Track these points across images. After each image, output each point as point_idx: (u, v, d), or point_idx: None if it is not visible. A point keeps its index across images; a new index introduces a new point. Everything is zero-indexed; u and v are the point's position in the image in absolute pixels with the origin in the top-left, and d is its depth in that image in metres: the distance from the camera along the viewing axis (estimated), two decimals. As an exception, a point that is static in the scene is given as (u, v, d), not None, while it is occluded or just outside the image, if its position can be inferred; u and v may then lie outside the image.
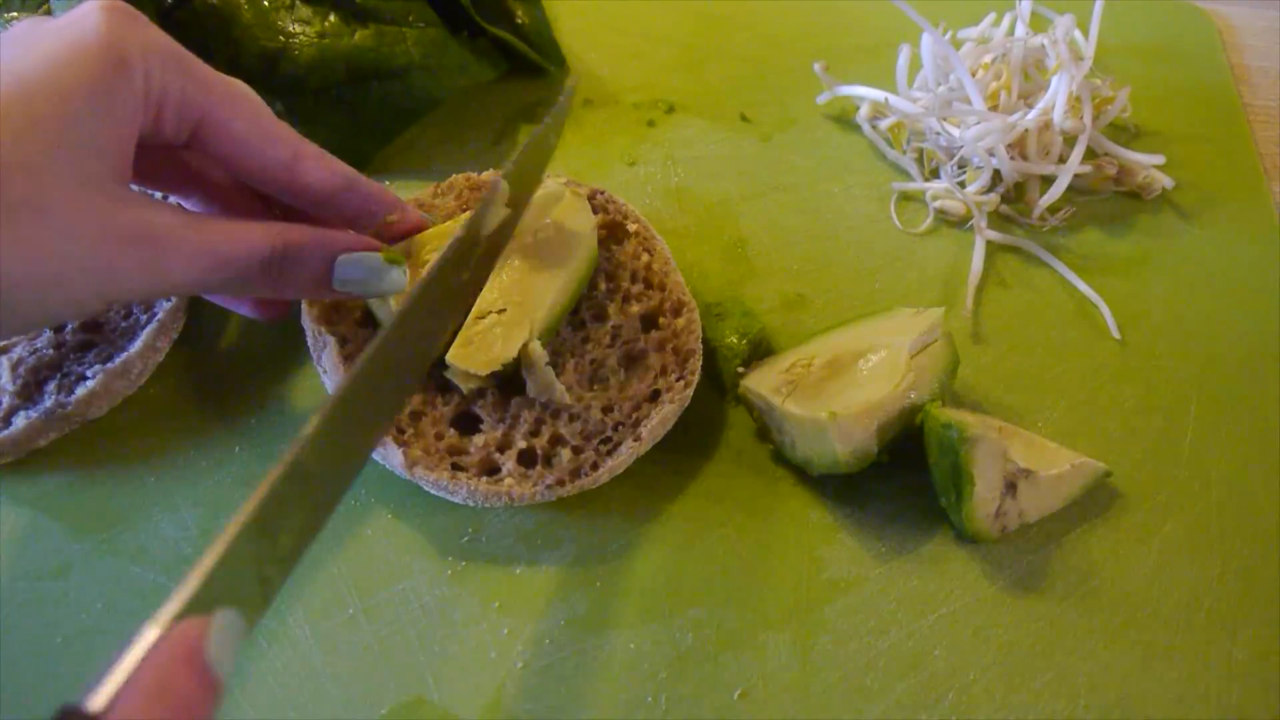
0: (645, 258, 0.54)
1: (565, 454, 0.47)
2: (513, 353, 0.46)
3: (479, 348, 0.46)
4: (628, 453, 0.47)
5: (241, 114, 0.41)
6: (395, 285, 0.43)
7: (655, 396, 0.49)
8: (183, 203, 0.47)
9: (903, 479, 0.50)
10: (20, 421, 0.48)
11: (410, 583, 0.46)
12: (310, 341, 0.48)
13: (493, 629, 0.45)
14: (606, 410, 0.48)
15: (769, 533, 0.49)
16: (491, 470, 0.46)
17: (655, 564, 0.47)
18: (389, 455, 0.45)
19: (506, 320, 0.46)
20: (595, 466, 0.46)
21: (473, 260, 0.43)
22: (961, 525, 0.47)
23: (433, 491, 0.46)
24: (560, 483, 0.46)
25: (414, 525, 0.48)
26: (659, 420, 0.48)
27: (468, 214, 0.50)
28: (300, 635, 0.44)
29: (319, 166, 0.43)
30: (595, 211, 0.55)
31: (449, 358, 0.45)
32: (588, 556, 0.47)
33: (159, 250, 0.38)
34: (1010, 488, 0.47)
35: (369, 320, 0.49)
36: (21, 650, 0.43)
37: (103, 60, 0.36)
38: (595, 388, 0.49)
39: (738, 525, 0.49)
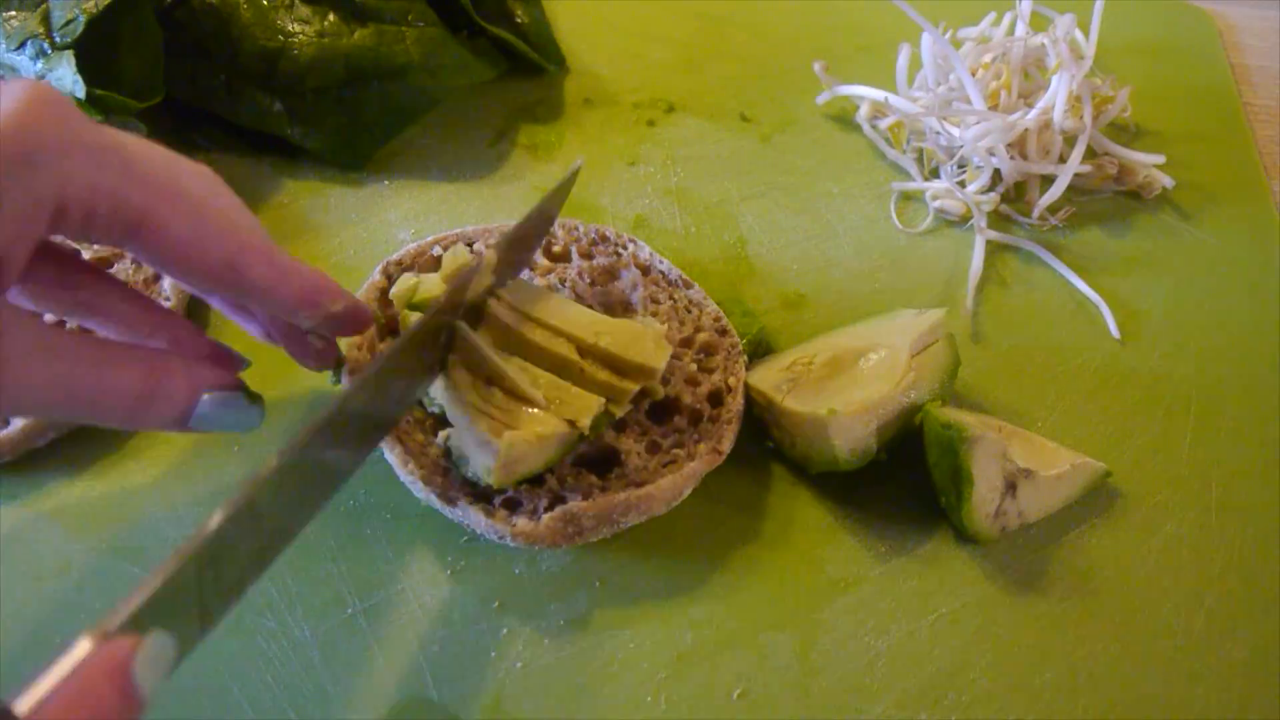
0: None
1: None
2: (541, 465, 0.44)
3: (512, 462, 0.43)
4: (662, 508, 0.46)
5: (183, 213, 0.37)
6: (251, 424, 0.41)
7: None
8: (95, 328, 0.43)
9: (903, 479, 0.50)
10: (20, 421, 0.47)
11: (410, 583, 0.46)
12: None
13: (493, 629, 0.45)
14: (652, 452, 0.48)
15: (768, 533, 0.49)
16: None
17: (655, 564, 0.47)
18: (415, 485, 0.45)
19: (543, 429, 0.44)
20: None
21: (446, 328, 0.42)
22: (961, 525, 0.47)
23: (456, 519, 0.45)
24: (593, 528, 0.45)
25: (414, 525, 0.48)
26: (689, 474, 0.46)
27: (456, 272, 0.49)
28: (300, 635, 0.44)
29: (262, 261, 0.39)
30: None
31: (494, 484, 0.44)
32: (587, 556, 0.47)
33: None
34: (1010, 488, 0.47)
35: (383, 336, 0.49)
36: (21, 650, 0.43)
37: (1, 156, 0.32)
38: (662, 460, 0.47)
39: (737, 525, 0.49)
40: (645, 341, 0.47)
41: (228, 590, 0.33)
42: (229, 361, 0.45)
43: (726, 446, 0.47)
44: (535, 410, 0.44)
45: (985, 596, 0.47)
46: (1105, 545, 0.49)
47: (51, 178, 0.33)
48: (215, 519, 0.32)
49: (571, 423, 0.44)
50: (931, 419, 0.47)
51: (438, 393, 0.46)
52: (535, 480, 0.45)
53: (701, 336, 0.52)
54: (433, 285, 0.48)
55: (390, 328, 0.50)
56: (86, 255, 0.54)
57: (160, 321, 0.43)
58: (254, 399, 0.41)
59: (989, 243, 0.62)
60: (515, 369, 0.45)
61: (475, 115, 0.69)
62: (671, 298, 0.54)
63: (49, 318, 0.50)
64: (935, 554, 0.48)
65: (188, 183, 0.38)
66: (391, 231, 0.62)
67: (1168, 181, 0.66)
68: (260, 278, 0.39)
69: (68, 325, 0.48)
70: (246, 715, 0.42)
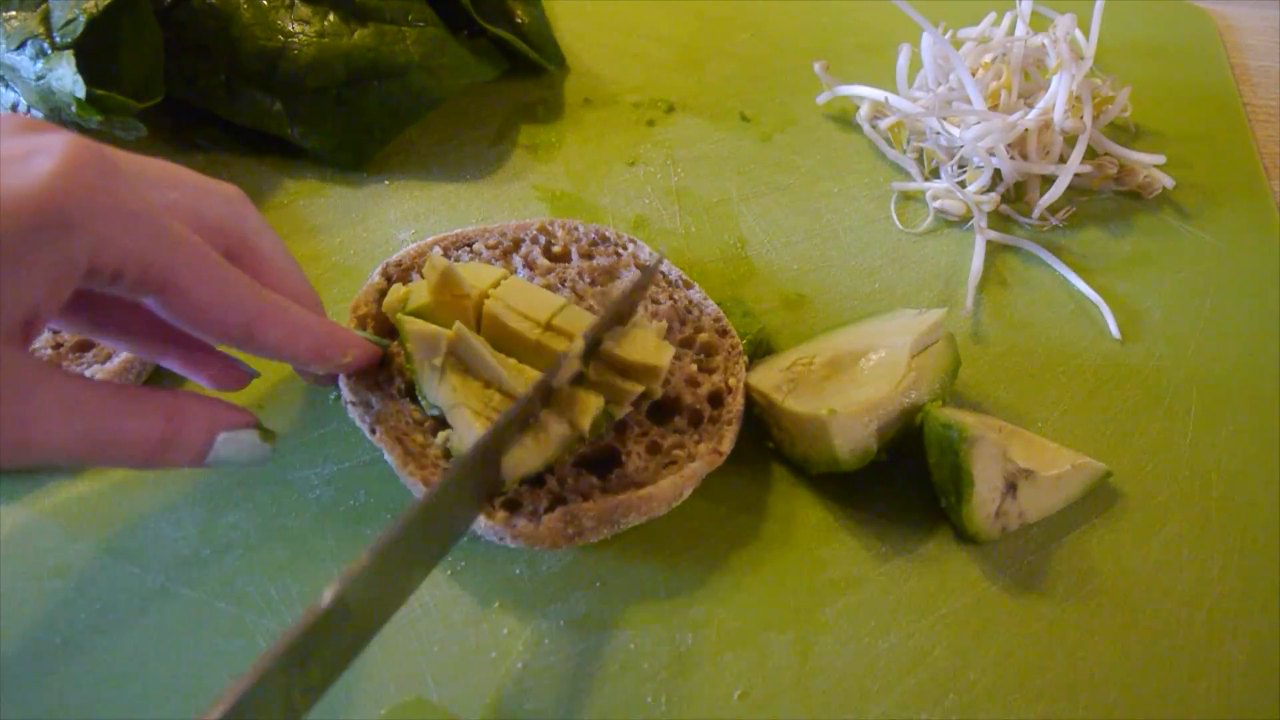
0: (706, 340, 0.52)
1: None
2: (540, 465, 0.44)
3: (513, 464, 0.43)
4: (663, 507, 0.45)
5: (205, 280, 0.37)
6: (263, 461, 0.42)
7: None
8: (112, 346, 0.44)
9: (903, 479, 0.50)
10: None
11: (410, 583, 0.46)
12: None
13: (493, 629, 0.45)
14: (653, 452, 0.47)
15: (769, 533, 0.49)
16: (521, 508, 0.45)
17: (655, 564, 0.47)
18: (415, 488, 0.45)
19: (543, 431, 0.44)
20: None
21: (534, 411, 0.43)
22: (961, 525, 0.47)
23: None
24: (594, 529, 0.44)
25: (414, 525, 0.48)
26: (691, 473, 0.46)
27: (502, 273, 0.49)
28: (300, 635, 0.44)
29: (276, 325, 0.40)
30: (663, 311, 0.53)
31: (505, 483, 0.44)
32: (587, 557, 0.47)
33: (20, 434, 0.34)
34: (1010, 488, 0.47)
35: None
36: (21, 650, 0.43)
37: (35, 220, 0.32)
38: (663, 461, 0.47)
39: (737, 525, 0.49)
40: (647, 342, 0.47)
41: (313, 687, 0.33)
42: (240, 376, 0.46)
43: (727, 447, 0.47)
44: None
45: (985, 596, 0.47)
46: (1105, 545, 0.49)
47: (86, 242, 0.33)
48: (303, 620, 0.31)
49: (571, 424, 0.44)
50: (931, 419, 0.47)
51: (436, 394, 0.46)
52: (535, 481, 0.45)
53: (702, 337, 0.52)
54: (422, 292, 0.48)
55: (388, 328, 0.50)
56: None
57: (174, 338, 0.43)
58: (267, 436, 0.42)
59: (989, 243, 0.62)
60: (514, 371, 0.45)
61: (475, 115, 0.69)
62: (671, 298, 0.54)
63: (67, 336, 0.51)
64: (935, 554, 0.48)
65: (208, 254, 0.38)
66: (391, 231, 0.62)
67: (1168, 181, 0.66)
68: (273, 340, 0.41)
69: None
70: (246, 715, 0.42)
